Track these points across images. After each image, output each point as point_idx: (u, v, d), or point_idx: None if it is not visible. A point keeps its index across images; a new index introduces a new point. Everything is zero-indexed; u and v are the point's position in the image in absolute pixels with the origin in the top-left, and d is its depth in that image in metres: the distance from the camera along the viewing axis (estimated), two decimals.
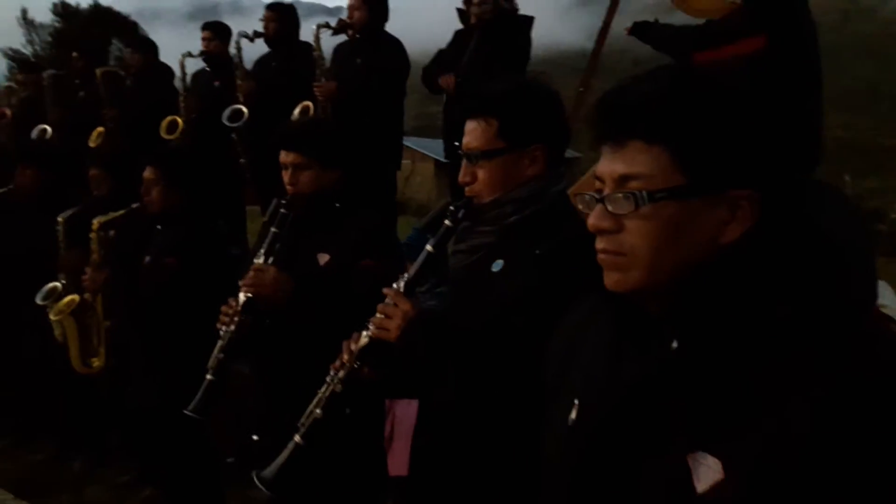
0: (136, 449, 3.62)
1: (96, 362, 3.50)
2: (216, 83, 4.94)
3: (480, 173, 1.58)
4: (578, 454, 0.91)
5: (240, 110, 4.55)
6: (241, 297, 2.20)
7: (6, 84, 6.44)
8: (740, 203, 0.85)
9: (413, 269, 1.61)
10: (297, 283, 2.20)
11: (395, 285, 1.60)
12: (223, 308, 2.23)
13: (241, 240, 4.88)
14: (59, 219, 3.51)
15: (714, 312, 0.84)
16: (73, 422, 3.96)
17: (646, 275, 0.87)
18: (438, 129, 4.48)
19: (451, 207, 1.61)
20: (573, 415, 0.93)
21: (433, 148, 22.47)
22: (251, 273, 2.20)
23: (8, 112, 5.76)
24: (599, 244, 0.90)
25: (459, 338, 1.51)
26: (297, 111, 4.41)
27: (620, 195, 0.87)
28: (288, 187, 2.30)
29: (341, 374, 1.60)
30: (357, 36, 4.45)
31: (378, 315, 1.57)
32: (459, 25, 4.43)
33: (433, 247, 1.59)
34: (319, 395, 1.62)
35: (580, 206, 0.93)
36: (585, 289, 0.99)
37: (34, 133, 5.41)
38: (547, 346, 1.08)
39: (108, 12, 25.89)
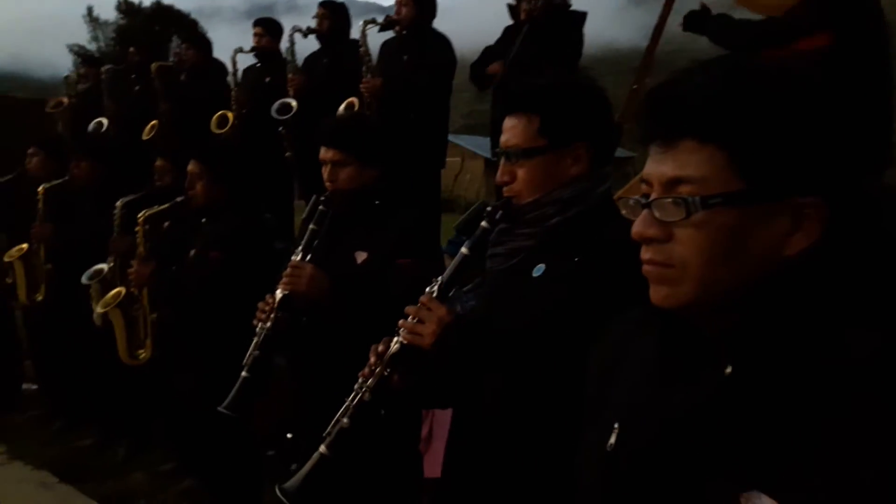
0: (177, 439, 3.66)
1: (143, 354, 3.55)
2: (267, 79, 4.97)
3: (520, 172, 1.49)
4: (616, 483, 0.83)
5: (288, 104, 4.56)
6: (278, 293, 2.18)
7: (66, 74, 6.63)
8: (806, 211, 0.76)
9: (447, 272, 1.54)
10: (333, 281, 2.17)
11: (428, 289, 1.53)
12: (260, 305, 2.22)
13: (288, 234, 4.92)
14: (118, 203, 3.56)
15: (775, 335, 0.75)
16: (118, 408, 4.04)
17: (697, 290, 0.78)
18: (488, 128, 4.42)
19: (489, 208, 1.53)
20: (612, 439, 0.85)
21: (483, 146, 22.29)
22: (287, 270, 2.18)
23: (65, 100, 5.92)
24: (645, 254, 0.81)
25: (496, 345, 1.44)
26: (342, 107, 4.40)
27: (669, 200, 0.78)
28: (327, 184, 2.27)
29: (370, 382, 1.54)
30: (404, 32, 4.41)
31: (410, 320, 1.50)
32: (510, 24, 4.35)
33: (469, 249, 1.51)
34: (347, 403, 1.56)
35: (624, 212, 0.84)
36: (629, 299, 0.91)
37: (91, 126, 5.55)
38: (586, 360, 1.01)
39: (169, 10, 26.58)
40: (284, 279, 2.17)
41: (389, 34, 4.55)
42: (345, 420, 1.55)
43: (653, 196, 0.81)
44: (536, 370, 1.38)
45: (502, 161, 1.52)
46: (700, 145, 0.78)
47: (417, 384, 1.57)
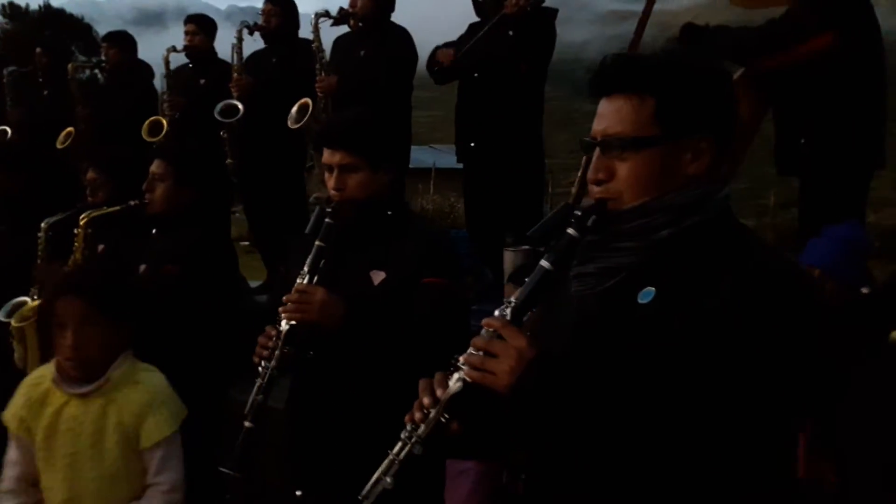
0: None
1: None
2: (202, 81, 4.52)
3: (623, 168, 1.19)
4: None
5: (234, 106, 4.14)
6: (283, 325, 1.83)
7: None
8: None
9: (524, 291, 1.20)
10: (348, 307, 1.83)
11: (498, 313, 1.20)
12: (261, 340, 1.86)
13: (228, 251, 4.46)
14: (43, 225, 3.04)
15: None
16: None
17: None
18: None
19: (578, 212, 1.22)
20: None
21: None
22: (294, 295, 1.83)
23: None
24: None
25: (591, 391, 1.11)
26: (294, 109, 4.04)
27: None
28: (332, 192, 1.94)
29: (422, 430, 1.20)
30: (360, 25, 4.09)
31: (473, 352, 1.17)
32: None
33: (552, 263, 1.19)
34: (391, 457, 1.21)
35: None
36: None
37: None
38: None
39: (61, 14, 24.88)
40: (291, 307, 1.82)
41: (342, 29, 4.21)
42: (388, 479, 1.20)
43: None
44: (652, 427, 1.08)
45: (596, 154, 1.22)
46: None
47: (477, 433, 1.25)
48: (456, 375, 1.18)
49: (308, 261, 1.87)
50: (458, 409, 1.18)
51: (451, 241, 2.04)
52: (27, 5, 25.56)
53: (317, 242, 1.88)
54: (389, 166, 1.98)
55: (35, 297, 3.12)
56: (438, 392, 1.19)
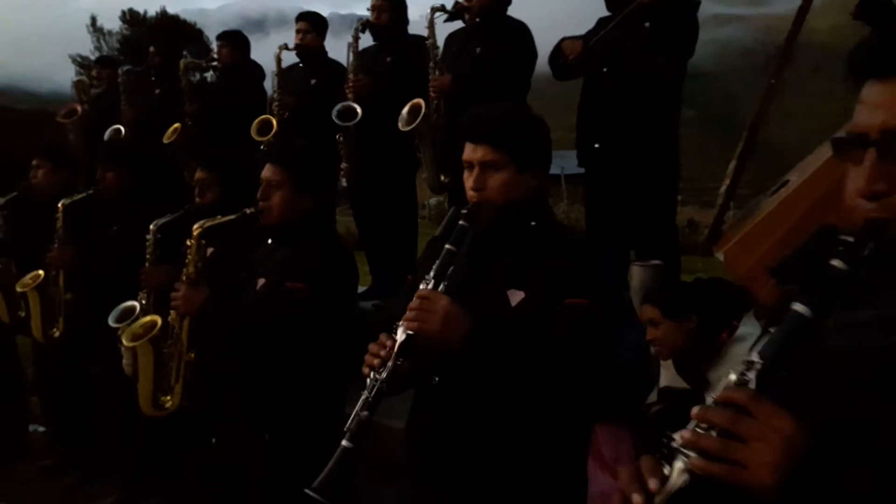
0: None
1: (169, 402, 2.87)
2: (312, 81, 4.40)
3: None
4: None
5: (352, 108, 3.98)
6: (399, 333, 1.57)
7: (76, 78, 6.03)
8: None
9: (773, 347, 0.88)
10: (475, 324, 1.56)
11: (734, 377, 0.87)
12: (372, 348, 1.60)
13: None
14: (151, 227, 2.94)
15: None
16: (147, 459, 3.42)
17: None
18: None
19: (846, 238, 0.89)
20: None
21: None
22: (415, 302, 1.57)
23: (79, 108, 5.32)
24: None
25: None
26: (405, 111, 3.84)
27: None
28: (470, 193, 1.69)
29: None
30: (477, 20, 3.83)
31: (700, 430, 0.85)
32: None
33: (812, 308, 0.88)
34: None
35: None
36: None
37: (107, 133, 4.97)
38: None
39: (175, 20, 26.11)
40: (410, 314, 1.56)
41: (454, 25, 3.99)
42: None
43: None
44: None
45: (871, 158, 0.89)
46: None
47: None
48: (678, 465, 0.86)
49: (435, 266, 1.61)
50: None
51: (599, 257, 1.72)
52: (145, 12, 27.08)
53: (447, 246, 1.62)
54: (537, 169, 1.71)
55: (143, 301, 3.05)
56: (650, 483, 0.86)
